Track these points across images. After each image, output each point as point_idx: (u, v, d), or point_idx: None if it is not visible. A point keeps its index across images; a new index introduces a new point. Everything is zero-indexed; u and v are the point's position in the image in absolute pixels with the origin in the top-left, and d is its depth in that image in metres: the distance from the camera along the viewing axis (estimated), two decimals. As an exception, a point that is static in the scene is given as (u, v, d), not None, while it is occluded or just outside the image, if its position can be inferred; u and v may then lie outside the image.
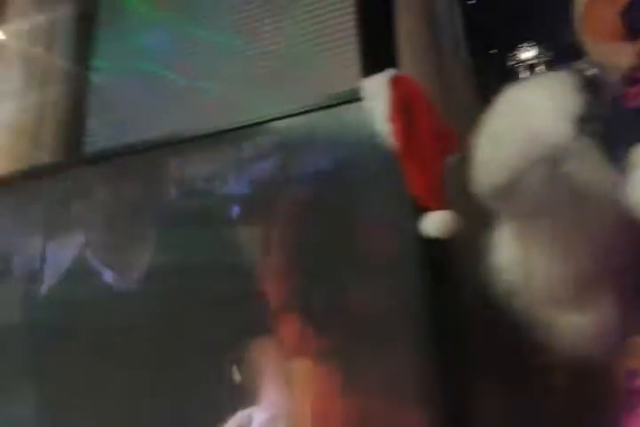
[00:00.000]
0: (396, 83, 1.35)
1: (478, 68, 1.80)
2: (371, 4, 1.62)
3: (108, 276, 1.85)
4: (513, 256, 1.15)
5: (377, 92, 1.34)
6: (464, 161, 1.14)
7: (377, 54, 1.50)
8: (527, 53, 1.96)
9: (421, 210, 1.32)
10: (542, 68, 1.88)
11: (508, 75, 1.88)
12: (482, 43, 1.89)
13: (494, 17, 1.94)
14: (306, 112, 1.67)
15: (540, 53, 1.93)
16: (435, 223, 1.29)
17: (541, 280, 1.14)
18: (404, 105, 1.32)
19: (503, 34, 1.95)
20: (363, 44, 1.59)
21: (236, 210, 1.80)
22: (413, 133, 1.31)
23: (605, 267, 1.12)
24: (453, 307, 1.43)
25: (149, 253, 1.81)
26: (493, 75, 1.84)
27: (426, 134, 1.31)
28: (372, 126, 1.38)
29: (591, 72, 1.07)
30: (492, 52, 1.92)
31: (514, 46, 1.95)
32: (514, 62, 1.92)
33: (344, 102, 1.57)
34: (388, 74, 1.37)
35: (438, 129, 1.33)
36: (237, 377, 1.64)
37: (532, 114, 1.06)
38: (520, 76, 1.90)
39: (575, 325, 1.14)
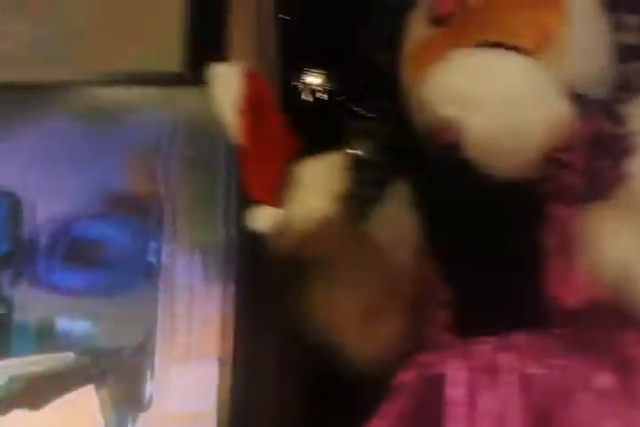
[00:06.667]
0: (249, 77, 1.19)
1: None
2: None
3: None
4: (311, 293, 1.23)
5: (228, 83, 1.20)
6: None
7: (205, 41, 1.43)
8: (312, 79, 1.91)
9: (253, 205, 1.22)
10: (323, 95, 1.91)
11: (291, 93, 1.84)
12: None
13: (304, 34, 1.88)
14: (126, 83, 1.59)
15: (324, 83, 1.92)
16: (262, 218, 1.20)
17: (336, 313, 1.25)
18: (254, 101, 1.18)
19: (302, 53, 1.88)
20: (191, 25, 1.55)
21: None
22: (259, 131, 1.18)
23: (393, 298, 1.27)
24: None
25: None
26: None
27: (272, 134, 1.20)
28: (208, 114, 1.26)
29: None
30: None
31: (302, 67, 1.92)
32: (298, 82, 1.86)
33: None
34: (240, 65, 1.23)
35: (283, 131, 1.23)
36: None
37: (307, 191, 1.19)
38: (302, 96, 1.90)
39: (363, 349, 1.26)
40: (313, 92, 2.05)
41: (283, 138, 1.20)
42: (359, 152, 1.23)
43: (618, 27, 1.98)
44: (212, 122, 1.22)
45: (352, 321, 1.26)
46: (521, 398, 1.04)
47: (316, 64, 2.08)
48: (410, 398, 1.15)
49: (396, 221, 1.32)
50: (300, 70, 2.00)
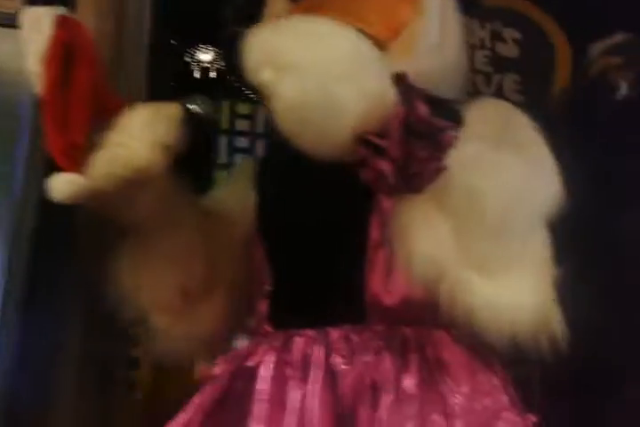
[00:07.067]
0: (65, 23, 1.07)
1: (156, 52, 1.62)
2: None
3: None
4: (124, 265, 1.11)
5: (38, 27, 1.09)
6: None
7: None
8: (205, 55, 1.81)
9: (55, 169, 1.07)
10: (215, 74, 1.78)
11: (182, 68, 1.72)
12: (169, 27, 1.72)
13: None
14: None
15: (215, 60, 1.77)
16: (58, 185, 1.05)
17: (149, 289, 1.12)
18: (67, 51, 1.06)
19: (193, 27, 1.77)
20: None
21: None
22: (68, 85, 1.06)
23: (217, 280, 1.16)
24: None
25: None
26: (169, 64, 1.69)
27: (81, 90, 1.07)
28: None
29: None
30: (172, 42, 1.73)
31: (196, 43, 1.77)
32: (191, 59, 1.74)
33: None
34: (58, 10, 1.11)
35: (99, 89, 1.10)
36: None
37: (127, 136, 1.05)
38: (193, 74, 1.75)
39: (177, 334, 1.14)
40: (203, 69, 1.96)
41: (98, 95, 1.08)
42: (198, 108, 1.10)
43: (495, 38, 2.00)
44: (20, 69, 1.09)
45: (166, 301, 1.15)
46: (327, 396, 0.99)
47: (201, 39, 1.99)
48: (218, 390, 1.07)
49: (237, 199, 1.22)
50: (188, 45, 1.91)
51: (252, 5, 1.55)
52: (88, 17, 1.43)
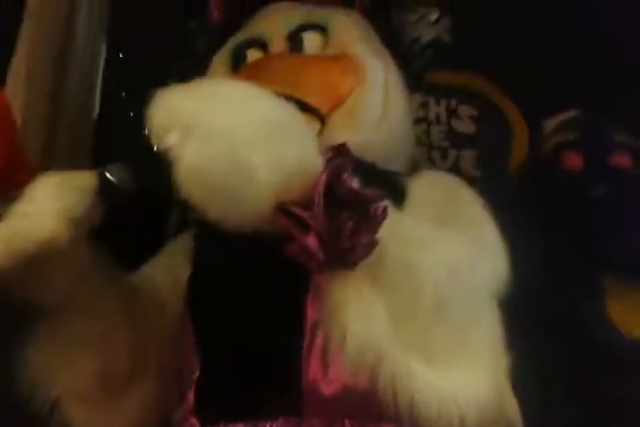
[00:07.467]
0: None
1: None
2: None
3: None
4: (35, 348, 1.02)
5: None
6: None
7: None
8: None
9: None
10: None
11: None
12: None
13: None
14: None
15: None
16: None
17: (63, 375, 1.03)
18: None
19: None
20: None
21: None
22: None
23: (143, 364, 1.08)
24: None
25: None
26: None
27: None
28: None
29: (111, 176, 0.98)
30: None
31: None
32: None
33: None
34: None
35: (9, 158, 1.06)
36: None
37: (31, 206, 0.95)
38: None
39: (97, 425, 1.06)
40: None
41: (9, 164, 1.01)
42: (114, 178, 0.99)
43: (451, 114, 1.99)
44: None
45: (83, 388, 1.04)
46: None
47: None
48: None
49: (169, 276, 1.14)
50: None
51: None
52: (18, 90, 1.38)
